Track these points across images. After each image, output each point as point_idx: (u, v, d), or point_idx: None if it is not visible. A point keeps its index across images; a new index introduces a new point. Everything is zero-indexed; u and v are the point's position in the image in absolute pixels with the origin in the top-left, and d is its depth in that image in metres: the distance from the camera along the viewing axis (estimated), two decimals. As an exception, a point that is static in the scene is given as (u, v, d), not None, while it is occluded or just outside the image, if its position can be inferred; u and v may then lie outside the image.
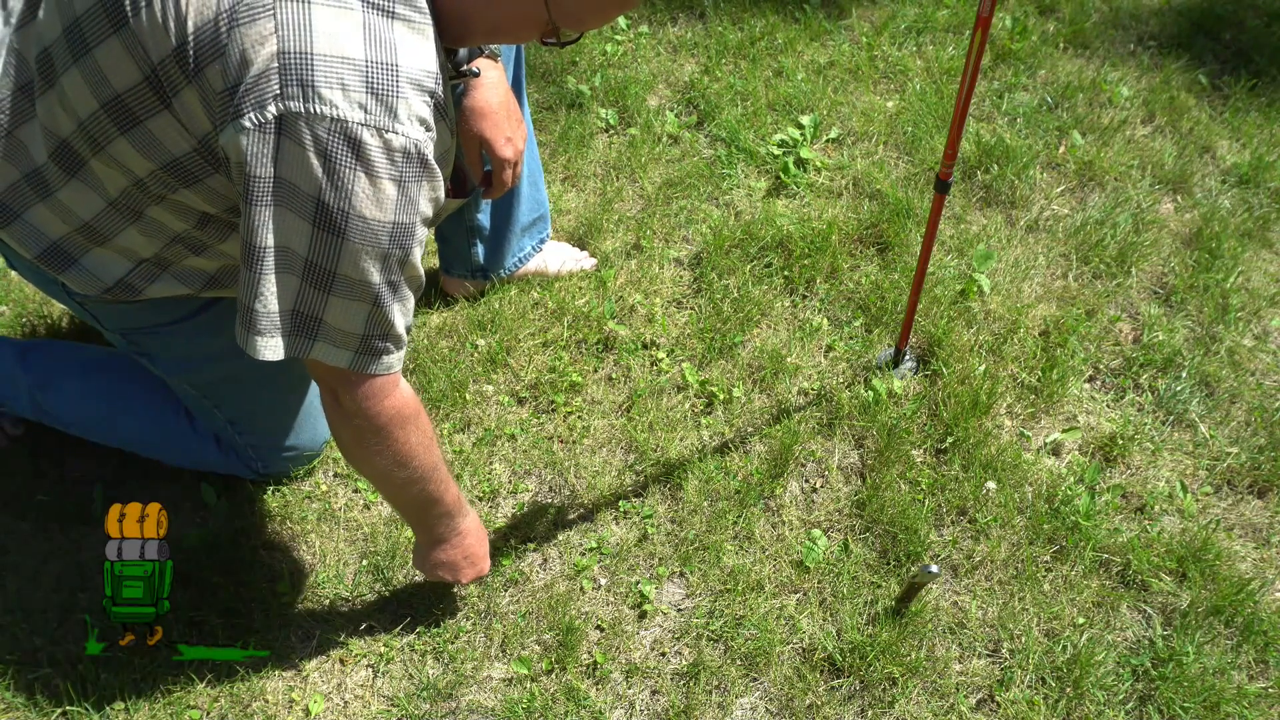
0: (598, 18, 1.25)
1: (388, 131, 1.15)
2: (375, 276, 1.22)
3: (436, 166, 1.22)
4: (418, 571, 1.69)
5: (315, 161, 1.14)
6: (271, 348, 1.26)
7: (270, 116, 1.13)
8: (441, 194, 1.26)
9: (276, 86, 1.12)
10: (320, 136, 1.13)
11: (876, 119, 2.60)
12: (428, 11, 1.18)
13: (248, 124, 1.14)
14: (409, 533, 1.80)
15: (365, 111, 1.13)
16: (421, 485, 1.46)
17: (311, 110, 1.12)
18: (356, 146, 1.14)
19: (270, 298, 1.23)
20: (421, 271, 1.29)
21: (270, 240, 1.20)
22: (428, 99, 1.18)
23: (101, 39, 1.22)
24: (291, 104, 1.12)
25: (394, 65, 1.15)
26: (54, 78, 1.28)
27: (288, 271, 1.22)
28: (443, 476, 1.49)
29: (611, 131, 2.59)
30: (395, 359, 1.32)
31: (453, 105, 1.31)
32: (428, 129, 1.19)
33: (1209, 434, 2.00)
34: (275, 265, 1.21)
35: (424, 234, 1.26)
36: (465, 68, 1.46)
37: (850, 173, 2.47)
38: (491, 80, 1.59)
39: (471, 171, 1.69)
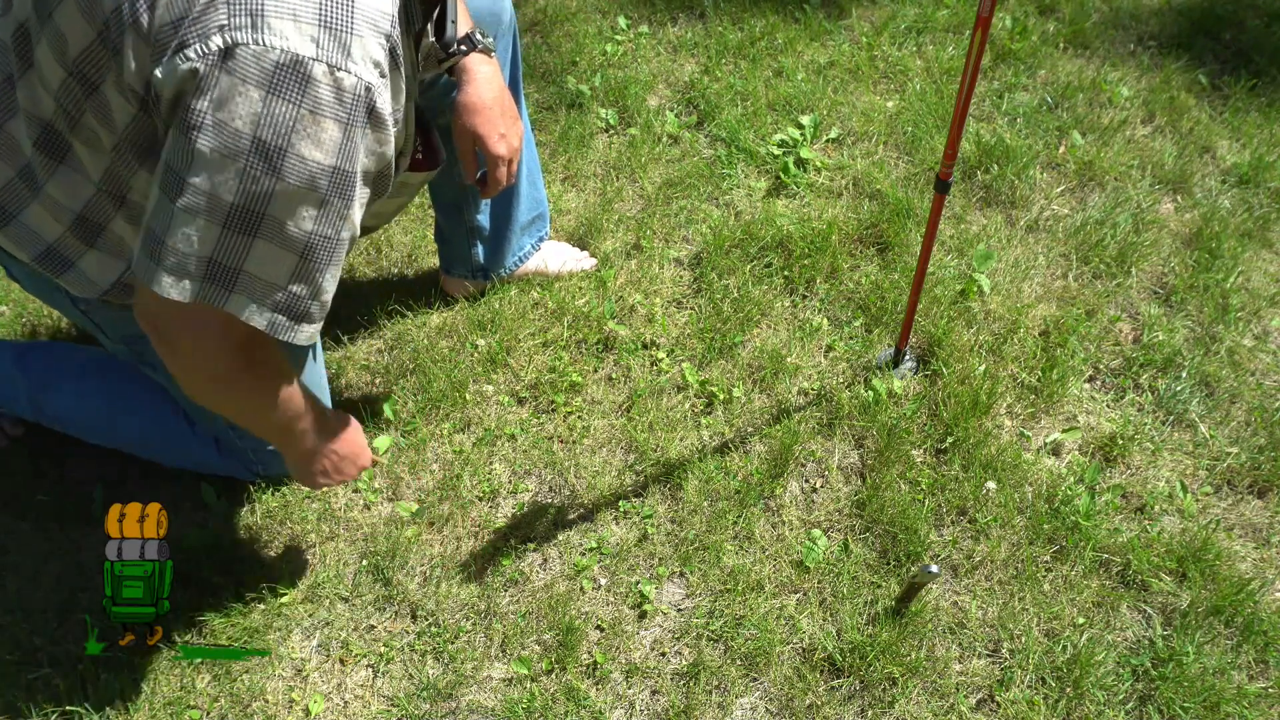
0: None
1: (339, 69, 1.09)
2: (308, 224, 1.15)
3: (387, 118, 1.15)
4: (307, 489, 1.56)
5: (256, 95, 1.07)
6: (178, 289, 1.16)
7: (215, 48, 1.07)
8: (389, 150, 1.19)
9: (224, 16, 1.07)
10: (265, 69, 1.07)
11: (876, 119, 2.60)
12: None
13: (191, 54, 1.08)
14: (409, 532, 1.80)
15: (316, 45, 1.08)
16: (287, 414, 1.40)
17: (260, 40, 1.07)
18: (304, 81, 1.08)
19: (188, 238, 1.14)
20: (357, 232, 1.21)
21: (198, 177, 1.11)
22: (383, 41, 1.12)
23: (59, 1, 1.19)
24: (239, 34, 1.06)
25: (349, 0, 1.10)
26: (30, 55, 1.26)
27: (210, 213, 1.13)
28: (306, 397, 1.42)
29: (611, 131, 2.59)
30: (316, 330, 1.24)
31: (412, 51, 1.23)
32: (381, 74, 1.13)
33: (1209, 434, 1.99)
34: (202, 206, 1.12)
35: (364, 194, 1.18)
36: (455, 48, 1.42)
37: (850, 173, 2.47)
38: (485, 75, 1.57)
39: (466, 168, 1.68)
